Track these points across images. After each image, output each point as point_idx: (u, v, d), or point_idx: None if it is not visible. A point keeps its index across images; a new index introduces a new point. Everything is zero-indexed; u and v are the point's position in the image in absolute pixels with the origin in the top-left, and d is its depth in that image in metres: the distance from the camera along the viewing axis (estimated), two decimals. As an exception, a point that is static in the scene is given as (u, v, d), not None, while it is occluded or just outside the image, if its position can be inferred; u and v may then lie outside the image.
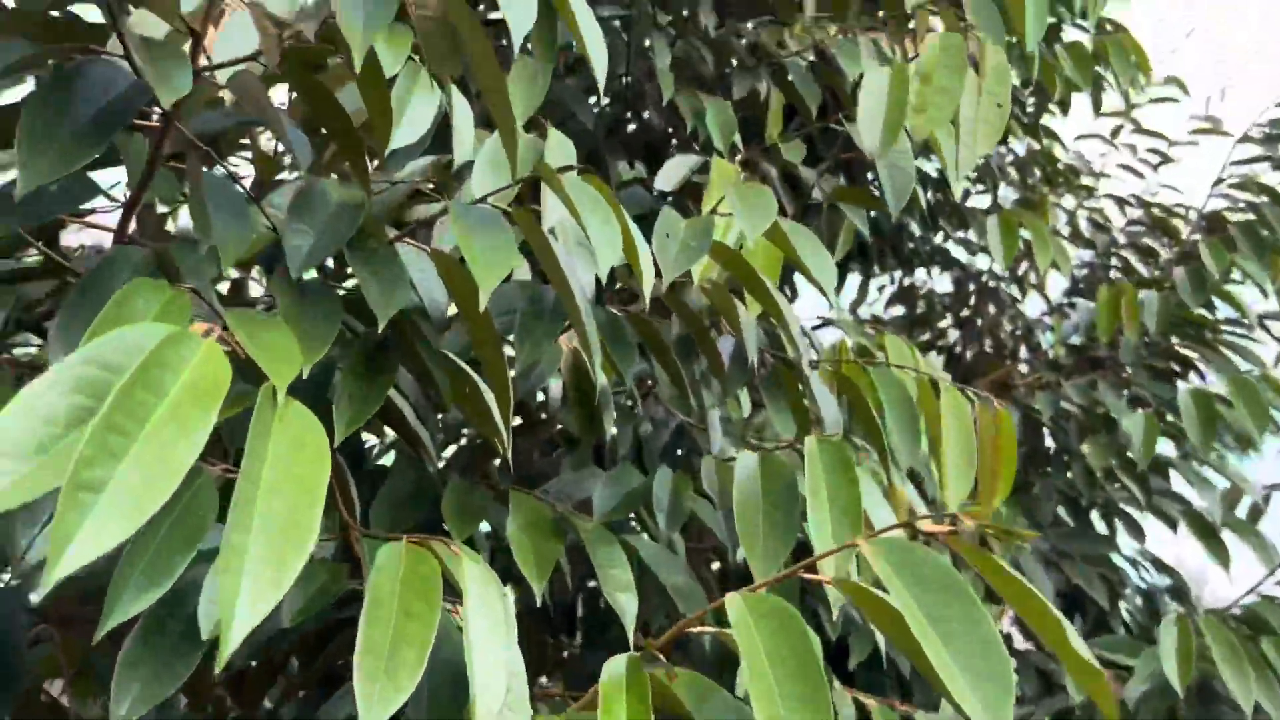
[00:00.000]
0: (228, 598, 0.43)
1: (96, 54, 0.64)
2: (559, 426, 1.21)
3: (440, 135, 0.82)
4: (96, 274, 0.66)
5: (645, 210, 1.20)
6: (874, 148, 0.85)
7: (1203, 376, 1.64)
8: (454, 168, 0.85)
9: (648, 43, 1.29)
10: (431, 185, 0.87)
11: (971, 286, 2.19)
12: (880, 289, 2.29)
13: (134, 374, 0.45)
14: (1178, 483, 1.58)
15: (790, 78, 1.21)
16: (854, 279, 2.15)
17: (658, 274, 0.76)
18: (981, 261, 2.19)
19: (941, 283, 2.35)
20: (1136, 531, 1.63)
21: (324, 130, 0.74)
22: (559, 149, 0.79)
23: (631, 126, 1.42)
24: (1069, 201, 2.09)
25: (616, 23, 1.26)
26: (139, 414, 0.44)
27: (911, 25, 1.24)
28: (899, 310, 2.34)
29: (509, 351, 0.83)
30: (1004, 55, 0.85)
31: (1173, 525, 1.53)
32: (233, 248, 0.63)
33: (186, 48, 0.65)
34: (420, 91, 0.77)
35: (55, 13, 0.63)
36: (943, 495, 0.92)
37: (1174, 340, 1.62)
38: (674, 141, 1.39)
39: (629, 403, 1.21)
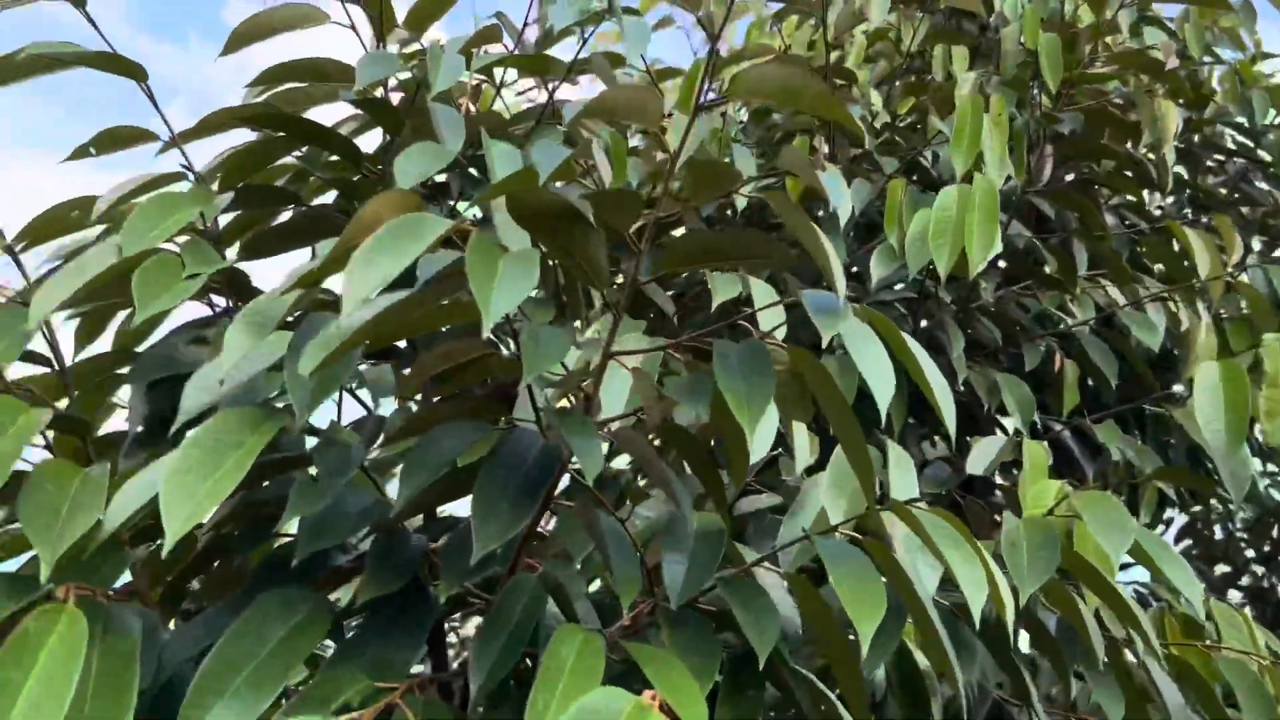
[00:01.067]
0: None
1: (512, 423, 0.78)
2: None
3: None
4: (502, 603, 0.76)
5: (949, 488, 1.24)
6: (1218, 450, 0.86)
7: None
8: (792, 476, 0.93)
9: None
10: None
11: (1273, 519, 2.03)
12: (1168, 521, 2.16)
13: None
14: None
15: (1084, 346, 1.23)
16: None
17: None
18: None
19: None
20: None
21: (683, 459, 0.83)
22: (900, 468, 0.85)
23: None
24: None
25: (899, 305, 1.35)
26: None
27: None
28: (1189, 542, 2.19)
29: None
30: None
31: None
32: (629, 587, 0.72)
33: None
34: (767, 419, 0.86)
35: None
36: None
37: None
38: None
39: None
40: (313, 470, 0.71)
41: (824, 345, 0.68)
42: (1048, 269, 1.41)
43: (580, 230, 0.74)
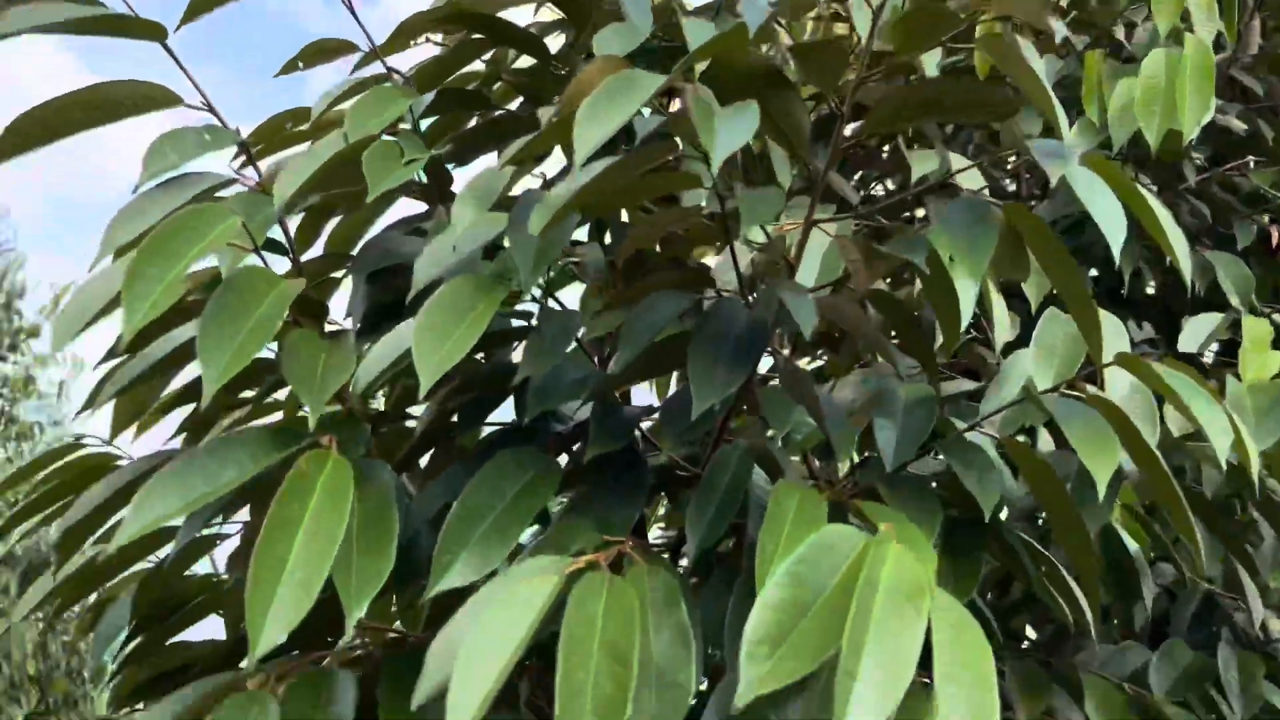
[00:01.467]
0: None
1: (717, 292, 0.79)
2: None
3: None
4: (713, 471, 0.78)
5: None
6: None
7: None
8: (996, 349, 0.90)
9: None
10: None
11: None
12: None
13: (842, 577, 0.54)
14: None
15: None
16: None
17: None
18: None
19: None
20: None
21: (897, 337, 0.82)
22: (1114, 332, 0.82)
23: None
24: None
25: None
26: (860, 612, 0.51)
27: None
28: None
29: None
30: None
31: None
32: (846, 447, 0.72)
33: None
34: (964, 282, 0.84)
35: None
36: None
37: None
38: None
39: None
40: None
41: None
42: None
43: (783, 93, 0.74)
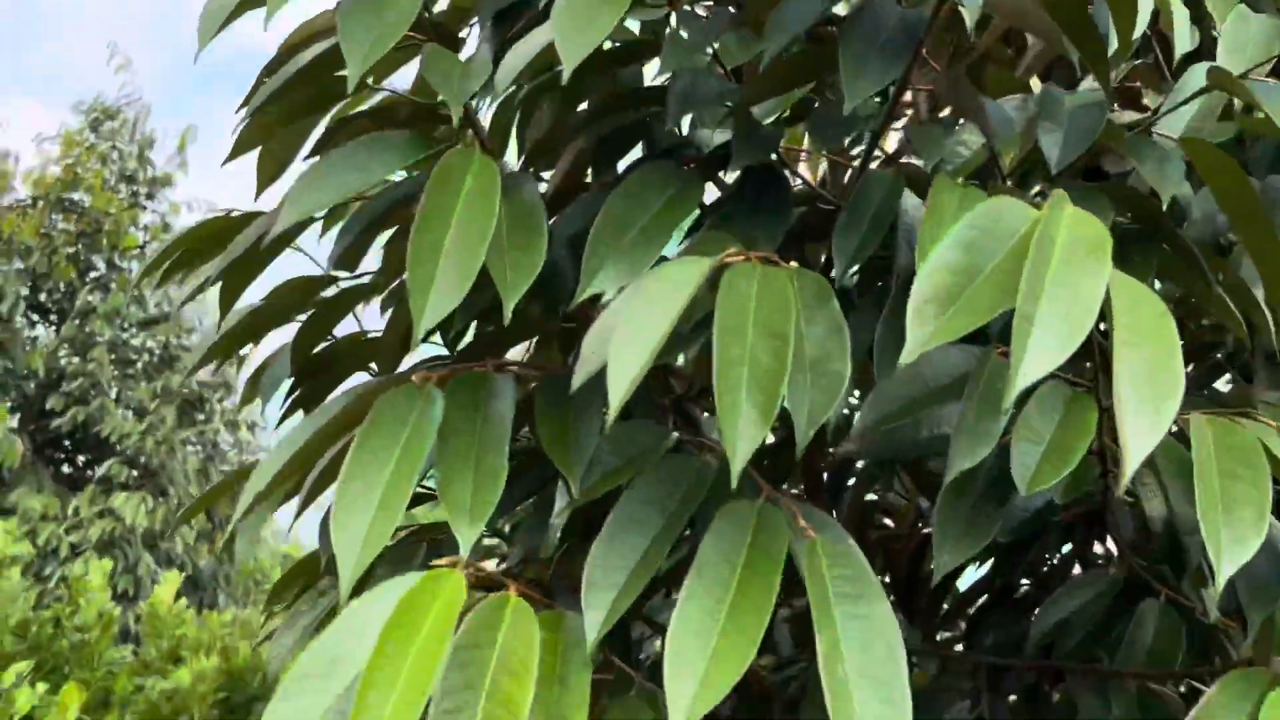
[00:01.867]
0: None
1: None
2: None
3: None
4: (862, 192, 0.74)
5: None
6: None
7: None
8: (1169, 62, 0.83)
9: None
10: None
11: None
12: None
13: (1017, 242, 0.51)
14: None
15: None
16: None
17: None
18: None
19: None
20: None
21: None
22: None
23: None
24: None
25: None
26: (1038, 260, 0.49)
27: None
28: None
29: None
30: None
31: None
32: (1009, 146, 0.68)
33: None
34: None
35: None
36: None
37: None
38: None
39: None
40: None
41: None
42: None
43: None
